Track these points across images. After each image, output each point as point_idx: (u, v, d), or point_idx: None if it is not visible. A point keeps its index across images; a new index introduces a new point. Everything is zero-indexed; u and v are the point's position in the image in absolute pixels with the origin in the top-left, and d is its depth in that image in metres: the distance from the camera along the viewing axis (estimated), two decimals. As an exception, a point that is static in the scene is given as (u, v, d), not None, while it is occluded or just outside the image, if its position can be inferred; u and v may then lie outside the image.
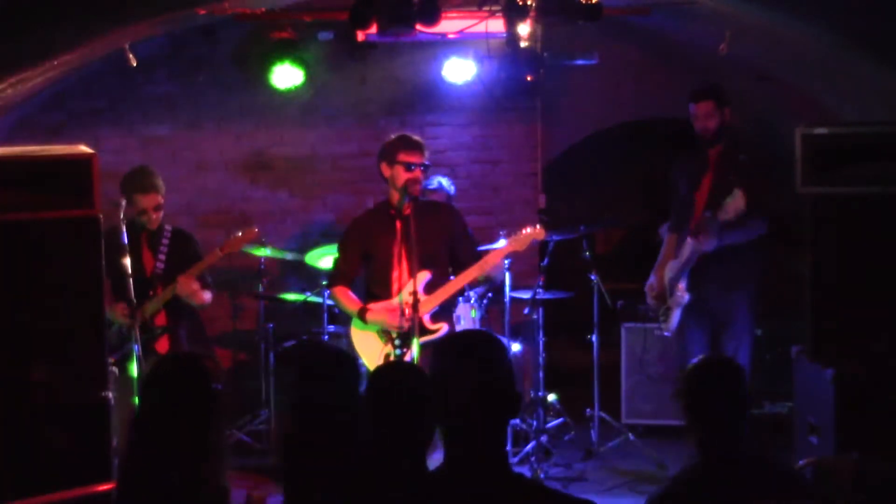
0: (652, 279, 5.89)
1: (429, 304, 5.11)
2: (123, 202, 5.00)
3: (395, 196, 5.21)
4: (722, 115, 5.64)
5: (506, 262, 5.84)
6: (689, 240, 5.57)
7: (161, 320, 5.52)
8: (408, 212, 5.16)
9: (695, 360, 3.23)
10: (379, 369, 3.01)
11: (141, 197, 5.46)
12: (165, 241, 5.59)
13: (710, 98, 5.63)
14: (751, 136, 5.60)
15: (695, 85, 5.81)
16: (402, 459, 2.92)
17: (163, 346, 5.49)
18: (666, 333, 5.83)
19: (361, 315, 5.18)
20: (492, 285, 5.80)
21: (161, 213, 5.57)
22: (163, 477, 2.77)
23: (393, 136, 5.31)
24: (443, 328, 5.16)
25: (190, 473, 2.78)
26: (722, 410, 2.96)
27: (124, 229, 4.87)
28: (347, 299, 5.31)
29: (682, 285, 5.64)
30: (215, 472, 2.85)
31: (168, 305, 5.52)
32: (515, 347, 6.55)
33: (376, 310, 5.17)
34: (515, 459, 6.15)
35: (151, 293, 5.45)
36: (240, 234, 5.61)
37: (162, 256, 5.55)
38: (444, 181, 6.49)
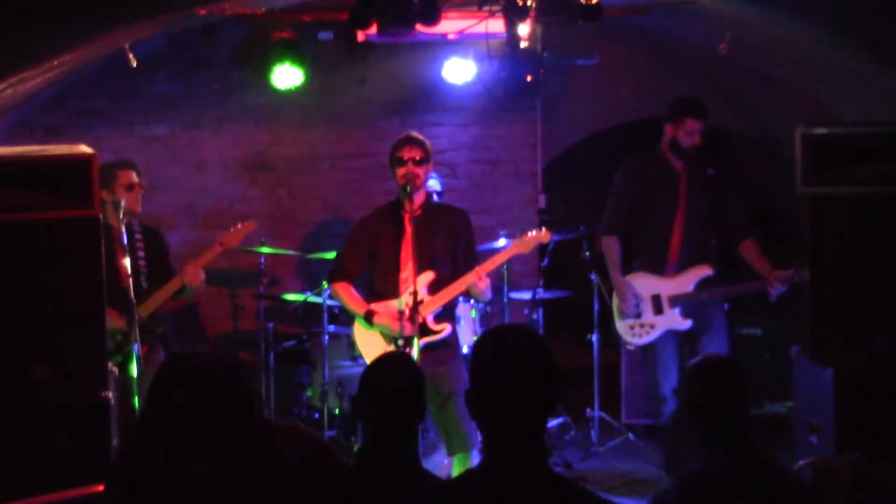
0: (630, 293, 5.71)
1: (432, 305, 5.08)
2: (123, 202, 4.98)
3: (402, 195, 5.19)
4: None
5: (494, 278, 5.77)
6: (692, 274, 5.60)
7: None
8: (419, 212, 5.14)
9: (695, 361, 3.24)
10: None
11: (123, 172, 5.27)
12: (140, 237, 5.37)
13: (707, 115, 5.63)
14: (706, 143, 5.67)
15: (684, 95, 5.77)
16: (396, 456, 2.94)
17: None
18: (633, 346, 5.82)
19: (368, 317, 5.13)
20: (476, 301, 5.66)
21: (139, 195, 5.34)
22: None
23: None
24: (446, 328, 5.13)
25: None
26: (721, 410, 2.96)
27: (123, 230, 4.86)
28: (352, 298, 5.24)
29: (677, 312, 5.65)
30: None
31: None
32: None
33: (382, 313, 5.12)
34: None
35: (145, 289, 5.22)
36: (239, 226, 5.46)
37: (141, 254, 5.32)
38: None
